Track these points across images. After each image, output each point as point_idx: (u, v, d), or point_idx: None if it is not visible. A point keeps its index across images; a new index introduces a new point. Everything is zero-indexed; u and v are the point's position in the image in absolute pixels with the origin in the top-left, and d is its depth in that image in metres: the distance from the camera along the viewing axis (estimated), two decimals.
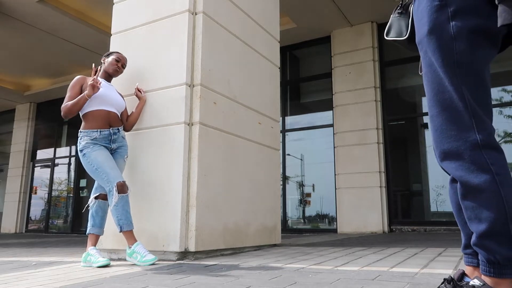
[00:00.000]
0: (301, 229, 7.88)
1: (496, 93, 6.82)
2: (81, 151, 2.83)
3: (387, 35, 1.46)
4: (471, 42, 1.19)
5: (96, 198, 2.92)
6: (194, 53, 3.29)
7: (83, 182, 10.61)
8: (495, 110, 6.75)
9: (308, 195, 8.04)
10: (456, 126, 1.19)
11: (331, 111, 7.70)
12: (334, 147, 7.50)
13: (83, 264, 2.76)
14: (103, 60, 3.18)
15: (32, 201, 11.53)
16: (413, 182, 7.35)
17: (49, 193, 11.18)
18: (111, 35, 3.73)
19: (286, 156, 8.18)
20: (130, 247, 2.71)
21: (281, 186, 8.00)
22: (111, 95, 3.02)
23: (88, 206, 2.96)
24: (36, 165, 11.72)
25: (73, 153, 11.21)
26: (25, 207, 11.41)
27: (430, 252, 2.99)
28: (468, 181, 1.16)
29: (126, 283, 1.94)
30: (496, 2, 1.14)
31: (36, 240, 7.27)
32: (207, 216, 3.13)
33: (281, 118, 8.14)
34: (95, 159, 2.79)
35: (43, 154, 11.71)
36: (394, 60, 7.51)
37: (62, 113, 2.95)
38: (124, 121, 3.15)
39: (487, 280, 1.16)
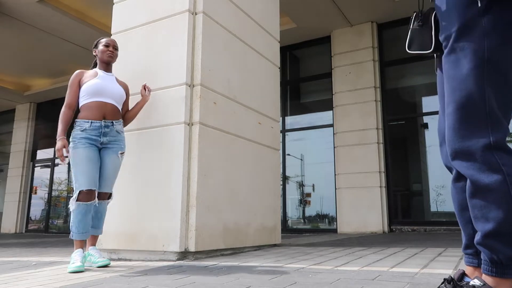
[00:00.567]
0: (301, 229, 7.88)
1: None
2: (70, 141, 2.79)
3: (409, 49, 1.41)
4: (503, 38, 1.16)
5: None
6: (194, 53, 3.29)
7: None
8: None
9: (308, 195, 8.04)
10: (470, 125, 1.17)
11: (331, 111, 7.70)
12: (334, 147, 7.50)
13: (77, 266, 2.46)
14: (95, 52, 3.04)
15: (32, 201, 11.53)
16: (413, 182, 7.35)
17: (49, 193, 11.18)
18: (111, 35, 3.73)
19: (286, 156, 8.18)
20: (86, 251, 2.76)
21: (281, 186, 8.00)
22: (108, 87, 2.88)
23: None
24: (36, 165, 11.72)
25: None
26: (25, 207, 11.41)
27: (430, 252, 2.99)
28: (478, 180, 1.15)
29: (126, 283, 1.94)
30: None
31: (36, 240, 7.27)
32: (207, 216, 3.13)
33: (281, 118, 8.13)
34: (74, 157, 2.72)
35: (43, 154, 11.71)
36: (394, 60, 7.51)
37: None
38: (123, 115, 3.04)
39: (488, 280, 1.16)
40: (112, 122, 2.83)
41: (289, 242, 4.67)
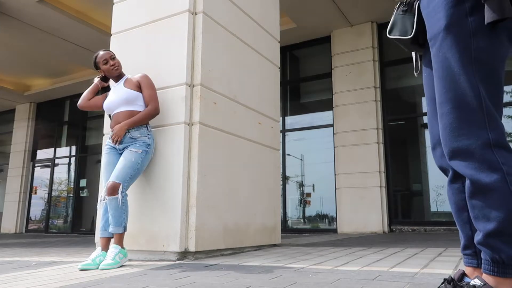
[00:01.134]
0: (301, 229, 7.88)
1: None
2: None
3: (389, 33, 1.40)
4: (490, 38, 1.16)
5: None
6: (194, 53, 3.29)
7: (83, 182, 10.62)
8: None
9: (308, 195, 8.04)
10: (468, 124, 1.17)
11: (331, 111, 7.70)
12: (334, 147, 7.50)
13: (83, 264, 2.54)
14: (100, 72, 3.10)
15: (32, 201, 11.53)
16: (413, 182, 7.35)
17: (49, 193, 11.18)
18: (111, 35, 3.73)
19: (286, 156, 8.18)
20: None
21: (281, 186, 8.00)
22: (113, 99, 2.99)
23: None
24: (36, 165, 11.72)
25: (73, 153, 11.22)
26: (25, 207, 11.41)
27: (430, 252, 2.99)
28: (478, 180, 1.15)
29: (126, 283, 1.94)
30: (482, 1, 1.13)
31: (36, 240, 7.27)
32: (207, 216, 3.13)
33: (281, 118, 8.13)
34: (102, 162, 3.04)
35: (43, 154, 11.71)
36: (394, 60, 7.51)
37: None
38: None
39: (488, 279, 1.16)
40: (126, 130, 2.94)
41: (289, 242, 4.67)
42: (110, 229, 2.73)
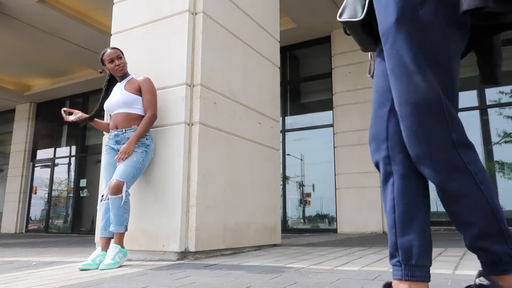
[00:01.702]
0: (301, 229, 7.88)
1: (495, 94, 6.82)
2: None
3: (340, 17, 1.27)
4: (443, 31, 1.09)
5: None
6: (194, 53, 3.29)
7: (83, 182, 10.62)
8: (494, 111, 6.76)
9: (308, 195, 8.04)
10: (430, 126, 1.09)
11: (331, 111, 7.70)
12: (334, 147, 7.50)
13: (83, 264, 2.56)
14: (105, 69, 3.09)
15: (32, 201, 11.53)
16: None
17: (49, 193, 11.19)
18: (111, 35, 3.73)
19: (286, 156, 8.18)
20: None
21: (281, 186, 8.00)
22: (112, 101, 3.02)
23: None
24: (36, 165, 11.73)
25: (73, 153, 11.22)
26: (25, 207, 11.41)
27: None
28: (446, 187, 1.09)
29: (126, 283, 1.94)
30: None
31: (36, 240, 7.27)
32: (207, 216, 3.13)
33: (281, 118, 8.13)
34: (102, 162, 3.08)
35: (43, 154, 11.71)
36: None
37: None
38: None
39: (492, 278, 1.12)
40: (123, 130, 2.94)
41: (289, 242, 4.67)
42: (111, 228, 2.72)
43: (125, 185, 2.72)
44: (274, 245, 4.06)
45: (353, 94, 7.43)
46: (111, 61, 3.02)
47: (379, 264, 2.36)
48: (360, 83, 7.41)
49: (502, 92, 6.77)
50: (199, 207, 3.04)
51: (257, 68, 4.07)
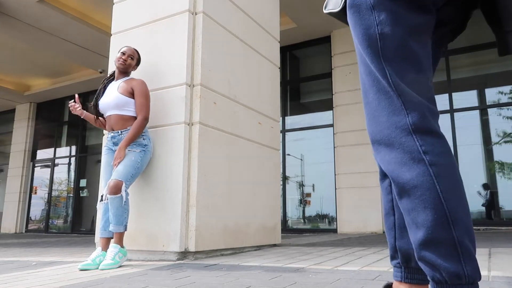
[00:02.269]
0: (301, 229, 7.88)
1: (495, 94, 6.82)
2: None
3: (325, 8, 1.23)
4: (390, 9, 1.00)
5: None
6: (194, 53, 3.29)
7: (83, 182, 10.62)
8: (494, 111, 6.76)
9: (308, 195, 8.04)
10: (386, 110, 0.99)
11: (331, 111, 7.70)
12: (334, 147, 7.50)
13: (82, 264, 2.57)
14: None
15: (32, 201, 11.53)
16: None
17: (49, 193, 11.19)
18: (111, 35, 3.73)
19: (286, 156, 8.18)
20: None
21: (281, 186, 8.00)
22: (105, 101, 3.00)
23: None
24: (36, 165, 11.73)
25: (73, 153, 11.22)
26: (25, 207, 11.41)
27: None
28: (398, 176, 0.94)
29: (126, 283, 1.94)
30: None
31: (36, 240, 7.27)
32: (207, 216, 3.13)
33: (281, 118, 8.13)
34: (101, 163, 3.09)
35: (43, 154, 11.71)
36: None
37: None
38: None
39: None
40: (119, 132, 2.94)
41: (289, 242, 4.67)
42: (111, 228, 2.72)
43: (124, 185, 2.72)
44: (274, 245, 4.06)
45: (353, 94, 7.43)
46: (123, 53, 3.08)
47: (379, 264, 2.36)
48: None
49: (502, 92, 6.77)
50: (199, 207, 3.04)
51: (257, 68, 4.07)
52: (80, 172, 10.86)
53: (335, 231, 7.30)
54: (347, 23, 1.18)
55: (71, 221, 10.66)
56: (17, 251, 4.47)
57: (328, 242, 4.49)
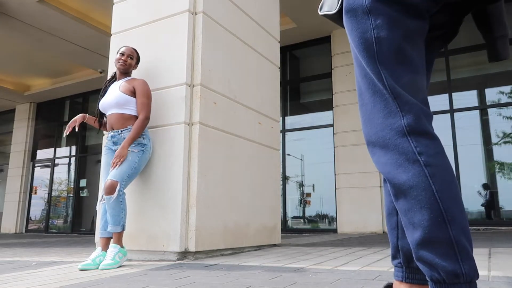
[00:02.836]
0: (301, 229, 7.88)
1: (495, 94, 6.82)
2: None
3: (320, 10, 1.23)
4: (388, 15, 1.01)
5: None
6: (194, 53, 3.29)
7: (83, 182, 10.62)
8: (494, 111, 6.76)
9: (308, 195, 8.04)
10: (381, 112, 1.00)
11: (331, 111, 7.70)
12: (334, 147, 7.50)
13: (82, 264, 2.57)
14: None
15: (32, 201, 11.53)
16: None
17: (49, 193, 11.19)
18: (111, 35, 3.73)
19: (286, 156, 8.18)
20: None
21: (281, 186, 8.00)
22: (106, 100, 3.01)
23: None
24: (36, 165, 11.73)
25: (73, 153, 11.22)
26: (25, 207, 11.41)
27: None
28: (394, 178, 0.96)
29: (126, 283, 1.94)
30: None
31: (36, 240, 7.27)
32: (207, 216, 3.13)
33: (281, 118, 8.14)
34: (101, 163, 3.09)
35: (43, 154, 11.71)
36: None
37: None
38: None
39: None
40: (119, 131, 2.94)
41: (289, 242, 4.67)
42: (109, 228, 2.73)
43: (119, 185, 2.72)
44: (274, 245, 4.06)
45: (353, 94, 7.43)
46: (122, 53, 3.08)
47: (379, 264, 2.36)
48: None
49: (502, 92, 6.77)
50: (199, 207, 3.04)
51: (257, 68, 4.07)
52: (80, 172, 10.86)
53: (335, 231, 7.30)
54: (342, 26, 1.20)
55: (71, 221, 10.66)
56: (17, 251, 4.47)
57: (328, 242, 4.49)
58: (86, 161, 10.99)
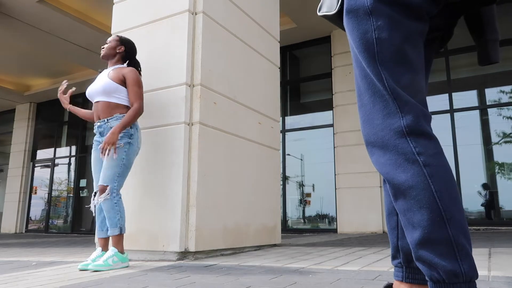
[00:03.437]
0: (301, 229, 7.88)
1: (495, 94, 6.82)
2: None
3: (319, 11, 1.23)
4: (390, 16, 1.01)
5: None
6: (194, 53, 3.29)
7: (83, 182, 10.62)
8: (494, 111, 6.76)
9: (308, 195, 8.04)
10: (381, 113, 1.01)
11: (331, 111, 7.70)
12: (334, 147, 7.50)
13: (82, 264, 2.55)
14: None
15: (32, 201, 11.53)
16: None
17: (49, 193, 11.18)
18: (111, 35, 3.73)
19: (286, 156, 8.18)
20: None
21: (281, 186, 8.00)
22: (93, 86, 2.88)
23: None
24: (36, 165, 11.72)
25: (73, 153, 11.22)
26: (25, 207, 11.41)
27: None
28: (394, 178, 0.96)
29: (126, 283, 1.94)
30: None
31: (36, 240, 7.27)
32: (207, 216, 3.13)
33: (281, 118, 8.13)
34: (91, 158, 2.91)
35: (43, 154, 11.71)
36: None
37: None
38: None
39: None
40: (105, 120, 2.79)
41: (289, 242, 4.67)
42: (108, 233, 2.69)
43: (109, 188, 2.63)
44: (274, 245, 4.06)
45: (353, 94, 7.42)
46: (103, 47, 3.03)
47: (379, 264, 2.36)
48: None
49: (502, 92, 6.77)
50: (199, 207, 3.04)
51: (257, 68, 4.07)
52: (80, 172, 10.86)
53: (335, 231, 7.30)
54: (340, 27, 1.21)
55: (71, 221, 10.66)
56: (17, 251, 4.47)
57: (328, 242, 4.49)
58: (86, 161, 10.98)
